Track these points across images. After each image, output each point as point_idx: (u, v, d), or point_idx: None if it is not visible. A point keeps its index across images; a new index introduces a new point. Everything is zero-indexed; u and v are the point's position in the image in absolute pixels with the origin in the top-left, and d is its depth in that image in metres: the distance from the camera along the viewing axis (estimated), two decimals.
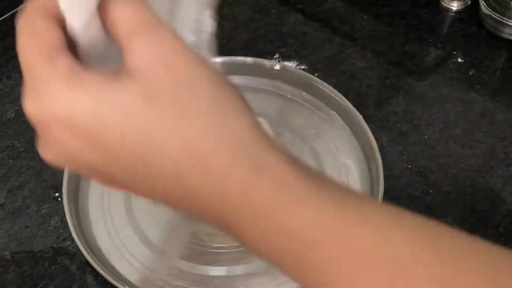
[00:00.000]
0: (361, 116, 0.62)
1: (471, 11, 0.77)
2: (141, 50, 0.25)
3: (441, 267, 0.25)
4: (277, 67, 0.67)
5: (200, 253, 0.54)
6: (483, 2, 0.74)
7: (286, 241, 0.25)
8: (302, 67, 0.71)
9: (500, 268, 0.25)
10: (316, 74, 0.67)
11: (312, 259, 0.25)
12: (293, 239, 0.25)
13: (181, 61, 0.26)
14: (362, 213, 0.27)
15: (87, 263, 0.53)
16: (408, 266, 0.25)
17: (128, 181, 0.27)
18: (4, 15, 0.80)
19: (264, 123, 0.57)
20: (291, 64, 0.66)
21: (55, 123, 0.27)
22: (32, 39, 0.29)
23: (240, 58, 0.69)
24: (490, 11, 0.74)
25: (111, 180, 0.28)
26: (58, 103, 0.26)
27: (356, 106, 0.63)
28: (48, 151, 0.30)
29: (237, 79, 0.69)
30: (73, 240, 0.54)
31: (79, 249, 0.53)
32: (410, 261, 0.25)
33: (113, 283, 0.50)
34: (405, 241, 0.26)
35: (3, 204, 0.59)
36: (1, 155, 0.63)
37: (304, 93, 0.66)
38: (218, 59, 0.69)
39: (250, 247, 0.27)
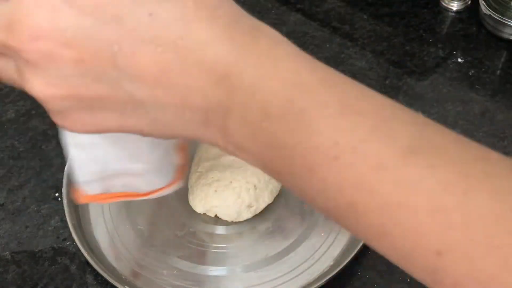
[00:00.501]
0: None
1: (471, 11, 0.77)
2: None
3: (417, 127, 0.25)
4: None
5: (200, 253, 0.54)
6: (483, 2, 0.74)
7: (278, 84, 0.24)
8: None
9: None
10: None
11: (303, 103, 0.24)
12: (287, 82, 0.25)
13: None
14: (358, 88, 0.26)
15: (87, 263, 0.53)
16: (389, 116, 0.25)
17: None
18: None
19: None
20: None
21: (47, 40, 0.24)
22: None
23: None
24: (490, 11, 0.74)
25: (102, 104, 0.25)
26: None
27: None
28: (40, 78, 0.25)
29: None
30: (73, 240, 0.54)
31: (79, 249, 0.53)
32: (391, 113, 0.25)
33: (113, 283, 0.50)
34: (385, 102, 0.26)
35: (3, 204, 0.59)
36: (1, 155, 0.63)
37: None
38: None
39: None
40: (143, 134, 0.27)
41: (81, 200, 0.38)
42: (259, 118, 0.24)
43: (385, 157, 0.23)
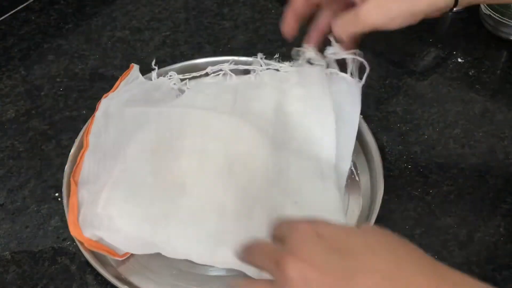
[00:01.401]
0: (361, 116, 0.62)
1: (471, 11, 0.77)
2: None
3: None
4: None
5: None
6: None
7: None
8: None
9: None
10: None
11: None
12: None
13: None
14: None
15: (87, 263, 0.53)
16: None
17: None
18: (4, 15, 0.80)
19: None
20: (291, 64, 0.66)
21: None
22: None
23: (240, 58, 0.69)
24: (490, 11, 0.74)
25: None
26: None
27: None
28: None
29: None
30: (73, 240, 0.54)
31: (79, 249, 0.53)
32: None
33: (113, 282, 0.50)
34: None
35: (3, 204, 0.59)
36: (1, 155, 0.63)
37: None
38: (219, 59, 0.70)
39: None
40: None
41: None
42: None
43: None
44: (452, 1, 0.51)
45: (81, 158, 0.58)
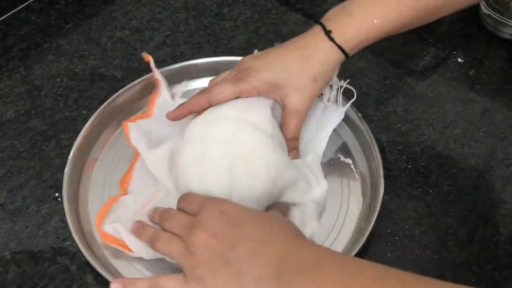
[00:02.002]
0: (361, 116, 0.62)
1: (471, 11, 0.77)
2: None
3: None
4: None
5: None
6: (483, 2, 0.74)
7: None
8: None
9: None
10: None
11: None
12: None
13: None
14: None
15: (87, 263, 0.53)
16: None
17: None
18: (4, 15, 0.81)
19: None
20: None
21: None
22: None
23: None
24: (490, 11, 0.74)
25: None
26: None
27: (356, 106, 0.63)
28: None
29: None
30: (73, 240, 0.54)
31: (79, 249, 0.53)
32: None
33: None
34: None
35: (3, 204, 0.59)
36: (1, 155, 0.63)
37: None
38: (219, 59, 0.70)
39: None
40: None
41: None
42: None
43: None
44: (342, 59, 0.57)
45: (131, 168, 0.59)
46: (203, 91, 0.58)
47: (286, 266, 0.41)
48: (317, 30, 0.56)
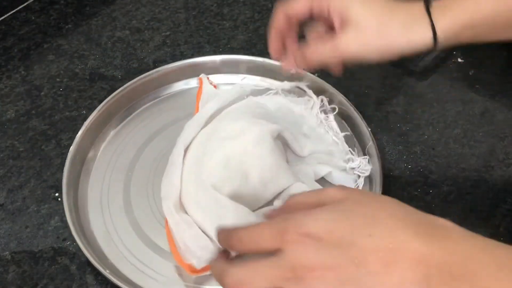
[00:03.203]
0: (361, 116, 0.62)
1: None
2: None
3: None
4: None
5: None
6: None
7: None
8: None
9: None
10: (316, 74, 0.67)
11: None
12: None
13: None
14: None
15: (87, 263, 0.53)
16: None
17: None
18: (4, 15, 0.81)
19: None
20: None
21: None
22: None
23: (241, 57, 0.70)
24: None
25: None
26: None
27: (356, 106, 0.63)
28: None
29: (237, 78, 0.69)
30: (73, 240, 0.54)
31: (79, 249, 0.53)
32: None
33: (114, 281, 0.50)
34: None
35: (3, 204, 0.59)
36: (1, 155, 0.63)
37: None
38: (219, 58, 0.70)
39: None
40: None
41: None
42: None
43: None
44: (430, 43, 0.50)
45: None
46: (278, 8, 0.54)
47: (430, 269, 0.33)
48: (418, 2, 0.50)
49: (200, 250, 0.50)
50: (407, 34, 0.50)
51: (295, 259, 0.34)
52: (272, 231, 0.35)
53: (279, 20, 0.54)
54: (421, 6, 0.50)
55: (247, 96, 0.64)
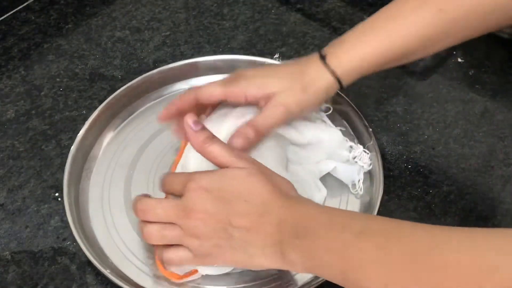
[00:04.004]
0: (361, 116, 0.62)
1: None
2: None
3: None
4: None
5: None
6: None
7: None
8: None
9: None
10: None
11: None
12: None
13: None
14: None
15: (87, 263, 0.53)
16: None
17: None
18: (4, 15, 0.81)
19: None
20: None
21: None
22: None
23: (241, 57, 0.70)
24: None
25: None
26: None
27: (356, 106, 0.63)
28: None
29: None
30: (73, 240, 0.54)
31: (79, 249, 0.53)
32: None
33: (114, 281, 0.50)
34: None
35: (3, 204, 0.59)
36: (1, 155, 0.63)
37: None
38: (219, 58, 0.70)
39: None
40: (242, 266, 0.51)
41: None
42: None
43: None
44: (336, 86, 0.55)
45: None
46: (192, 88, 0.57)
47: (284, 232, 0.44)
48: (313, 54, 0.56)
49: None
50: (318, 89, 0.55)
51: (188, 202, 0.46)
52: (181, 180, 0.47)
53: (187, 101, 0.56)
54: (316, 61, 0.55)
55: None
